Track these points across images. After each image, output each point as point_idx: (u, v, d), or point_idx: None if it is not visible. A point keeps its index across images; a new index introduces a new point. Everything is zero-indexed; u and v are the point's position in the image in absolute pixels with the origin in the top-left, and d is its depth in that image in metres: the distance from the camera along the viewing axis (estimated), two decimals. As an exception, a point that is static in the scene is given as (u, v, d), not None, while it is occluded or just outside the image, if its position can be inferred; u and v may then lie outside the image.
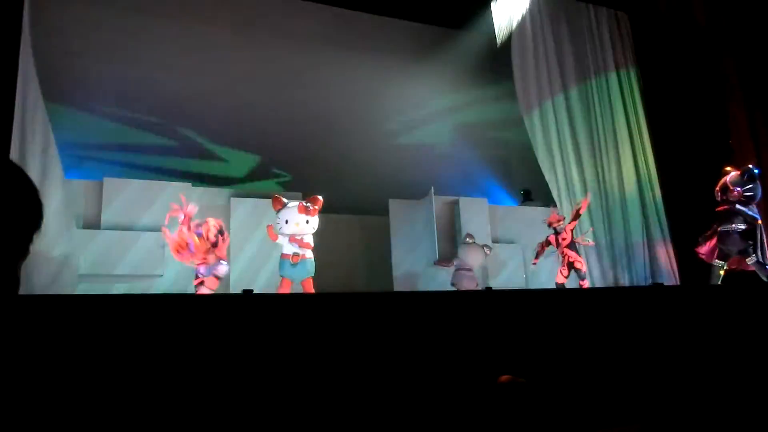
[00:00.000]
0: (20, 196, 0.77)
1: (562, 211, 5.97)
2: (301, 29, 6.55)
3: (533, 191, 6.91)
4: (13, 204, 0.75)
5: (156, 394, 2.43)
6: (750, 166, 5.11)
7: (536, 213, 6.42)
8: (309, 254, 4.21)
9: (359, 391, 2.77)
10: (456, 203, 6.10)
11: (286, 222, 4.19)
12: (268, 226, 4.27)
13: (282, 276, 4.15)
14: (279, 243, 4.22)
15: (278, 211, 4.23)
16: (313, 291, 4.16)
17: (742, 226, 4.94)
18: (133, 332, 2.53)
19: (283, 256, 4.18)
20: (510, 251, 6.13)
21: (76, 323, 2.47)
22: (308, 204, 4.21)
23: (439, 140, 7.21)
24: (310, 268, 4.20)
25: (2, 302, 0.75)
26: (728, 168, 5.23)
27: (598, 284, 5.94)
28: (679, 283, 6.03)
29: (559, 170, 6.22)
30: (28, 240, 0.78)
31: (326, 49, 6.67)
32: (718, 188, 5.14)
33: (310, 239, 4.26)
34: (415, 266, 5.79)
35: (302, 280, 4.15)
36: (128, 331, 2.53)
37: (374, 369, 2.86)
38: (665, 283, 5.70)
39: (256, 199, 5.24)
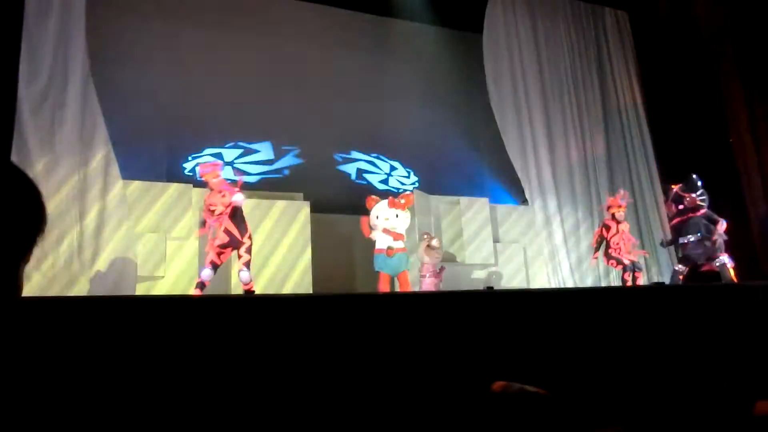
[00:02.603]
0: (23, 199, 0.77)
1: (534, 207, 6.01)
2: (298, 29, 6.56)
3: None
4: (16, 207, 0.76)
5: (158, 395, 2.43)
6: (694, 176, 5.25)
7: (537, 212, 6.42)
8: (401, 246, 4.43)
9: (360, 392, 2.77)
10: (457, 203, 6.10)
11: (377, 217, 4.50)
12: (362, 218, 4.54)
13: (378, 270, 4.39)
14: (372, 238, 4.49)
15: (372, 208, 4.54)
16: (408, 285, 4.40)
17: (701, 234, 5.09)
18: (135, 334, 2.54)
19: (376, 251, 4.43)
20: (511, 251, 6.13)
21: (78, 325, 2.48)
22: (399, 199, 4.53)
23: (440, 140, 7.21)
24: (406, 261, 4.46)
25: (4, 306, 0.75)
26: (672, 186, 5.44)
27: (599, 284, 5.95)
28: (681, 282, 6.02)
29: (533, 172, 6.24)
30: (31, 244, 0.78)
31: (326, 49, 6.68)
32: (670, 200, 5.34)
33: (402, 232, 4.51)
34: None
35: (398, 274, 4.40)
36: (129, 333, 2.53)
37: (375, 370, 2.86)
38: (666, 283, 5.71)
39: (256, 200, 5.24)
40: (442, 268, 5.18)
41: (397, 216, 4.49)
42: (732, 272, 4.98)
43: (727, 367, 3.42)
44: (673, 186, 5.38)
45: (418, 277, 5.20)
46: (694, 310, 3.84)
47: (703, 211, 5.14)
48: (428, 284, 5.02)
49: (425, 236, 5.27)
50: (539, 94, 6.39)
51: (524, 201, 6.95)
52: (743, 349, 3.56)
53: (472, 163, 7.24)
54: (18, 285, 0.78)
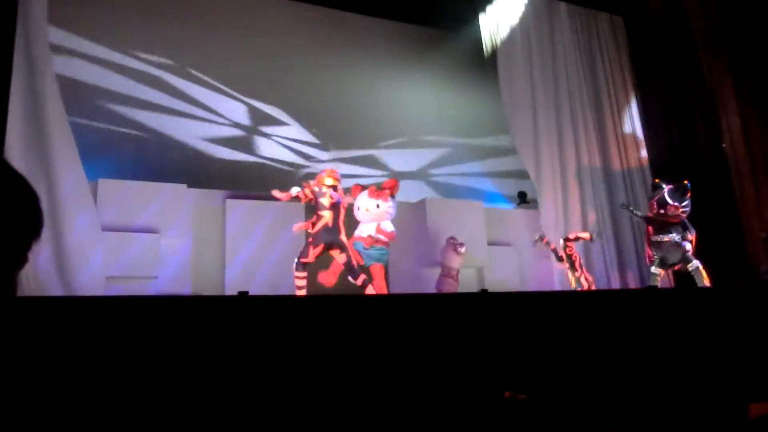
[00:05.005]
0: (19, 202, 0.76)
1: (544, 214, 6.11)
2: (299, 31, 6.56)
3: (529, 194, 6.94)
4: (12, 211, 0.75)
5: (151, 395, 2.42)
6: (685, 182, 5.26)
7: (532, 215, 6.44)
8: (383, 239, 4.27)
9: (353, 394, 2.77)
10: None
11: (358, 209, 4.33)
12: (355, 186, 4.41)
13: None
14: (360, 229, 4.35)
15: (356, 198, 4.38)
16: (382, 280, 4.25)
17: (679, 237, 5.12)
18: (128, 334, 2.53)
19: (356, 237, 4.30)
20: (505, 253, 6.14)
21: (71, 325, 2.46)
22: (382, 187, 4.33)
23: (435, 142, 7.22)
24: (380, 255, 4.28)
25: (0, 308, 0.74)
26: (657, 180, 5.43)
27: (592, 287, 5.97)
28: (673, 285, 6.06)
29: (549, 177, 6.27)
30: (26, 247, 0.78)
31: (321, 50, 6.68)
32: (655, 200, 5.28)
33: (386, 226, 4.32)
34: (410, 268, 5.79)
35: (370, 266, 4.25)
36: (123, 333, 2.52)
37: (368, 371, 2.86)
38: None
39: (251, 201, 5.23)
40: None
41: (378, 206, 4.28)
42: (705, 275, 5.04)
43: (720, 370, 3.44)
44: (664, 185, 5.33)
45: (436, 275, 5.22)
46: (686, 313, 3.86)
47: (680, 219, 5.20)
48: (450, 285, 5.03)
49: (451, 240, 5.30)
50: (548, 99, 6.45)
51: (519, 204, 6.98)
52: (736, 352, 3.58)
53: (466, 165, 7.26)
54: (13, 288, 0.78)
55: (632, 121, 6.95)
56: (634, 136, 6.90)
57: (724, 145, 6.35)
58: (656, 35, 6.92)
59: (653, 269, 5.29)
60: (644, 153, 6.87)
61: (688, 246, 5.13)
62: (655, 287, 5.26)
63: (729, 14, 6.39)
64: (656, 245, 5.26)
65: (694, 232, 5.21)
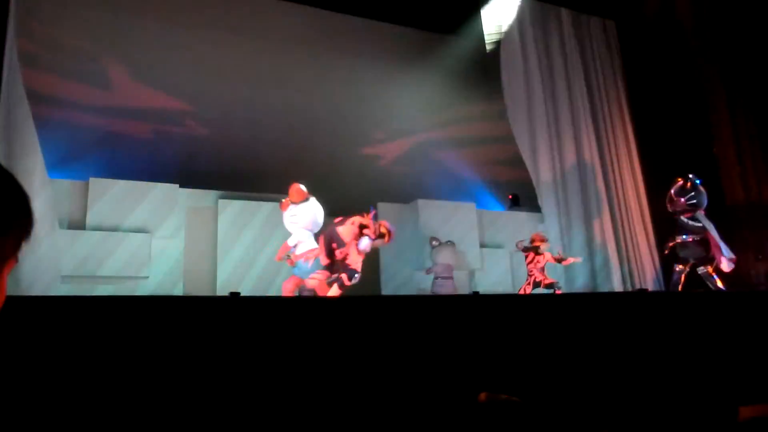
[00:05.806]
0: (9, 201, 0.76)
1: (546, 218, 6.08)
2: (293, 32, 6.54)
3: (521, 196, 6.96)
4: (2, 209, 0.74)
5: (142, 396, 2.41)
6: (691, 175, 5.25)
7: (523, 218, 6.47)
8: (305, 249, 4.15)
9: (345, 395, 2.76)
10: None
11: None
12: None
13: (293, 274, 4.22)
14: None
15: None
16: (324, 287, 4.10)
17: (691, 236, 5.10)
18: (119, 335, 2.51)
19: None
20: (497, 256, 6.16)
21: (59, 325, 2.44)
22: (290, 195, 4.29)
23: (428, 144, 7.23)
24: (301, 270, 4.13)
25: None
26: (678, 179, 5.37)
27: (584, 289, 6.01)
28: (663, 288, 6.10)
29: (545, 175, 6.30)
30: (16, 247, 0.77)
31: (316, 53, 6.66)
32: (667, 200, 5.30)
33: (302, 236, 4.22)
34: (403, 269, 5.80)
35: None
36: (113, 333, 2.50)
37: (360, 373, 2.86)
38: (650, 289, 5.78)
39: (243, 201, 5.21)
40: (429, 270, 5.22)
41: (293, 215, 4.31)
42: (714, 281, 5.02)
43: (711, 372, 3.46)
44: (678, 179, 5.32)
45: (434, 277, 5.22)
46: (676, 316, 3.88)
47: (689, 213, 5.16)
48: (449, 285, 5.04)
49: (434, 241, 5.29)
50: (546, 103, 6.49)
51: (511, 207, 7.00)
52: (726, 355, 3.60)
53: (459, 167, 7.27)
54: (2, 288, 0.77)
55: (624, 124, 6.99)
56: (627, 139, 6.93)
57: (714, 149, 6.40)
58: (648, 39, 6.97)
59: (677, 268, 5.30)
60: (636, 156, 6.91)
61: (711, 251, 5.02)
62: (646, 290, 5.29)
63: (721, 19, 6.44)
64: (677, 244, 5.26)
65: (712, 229, 5.08)
